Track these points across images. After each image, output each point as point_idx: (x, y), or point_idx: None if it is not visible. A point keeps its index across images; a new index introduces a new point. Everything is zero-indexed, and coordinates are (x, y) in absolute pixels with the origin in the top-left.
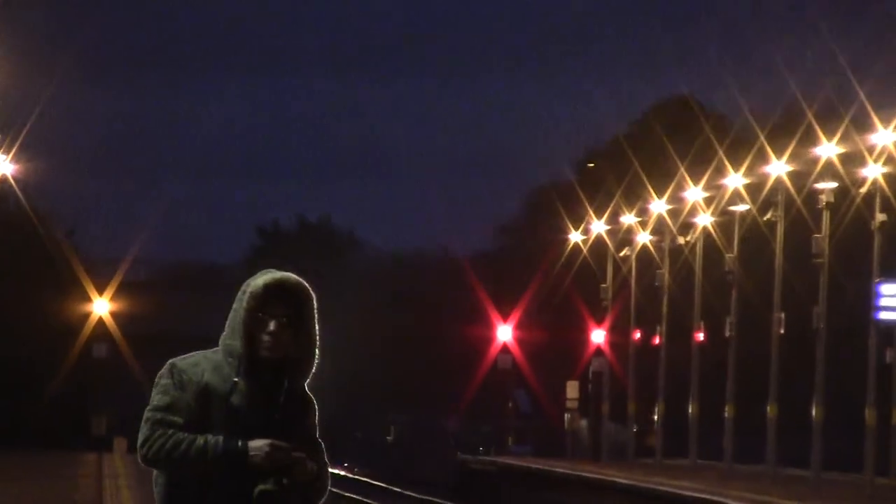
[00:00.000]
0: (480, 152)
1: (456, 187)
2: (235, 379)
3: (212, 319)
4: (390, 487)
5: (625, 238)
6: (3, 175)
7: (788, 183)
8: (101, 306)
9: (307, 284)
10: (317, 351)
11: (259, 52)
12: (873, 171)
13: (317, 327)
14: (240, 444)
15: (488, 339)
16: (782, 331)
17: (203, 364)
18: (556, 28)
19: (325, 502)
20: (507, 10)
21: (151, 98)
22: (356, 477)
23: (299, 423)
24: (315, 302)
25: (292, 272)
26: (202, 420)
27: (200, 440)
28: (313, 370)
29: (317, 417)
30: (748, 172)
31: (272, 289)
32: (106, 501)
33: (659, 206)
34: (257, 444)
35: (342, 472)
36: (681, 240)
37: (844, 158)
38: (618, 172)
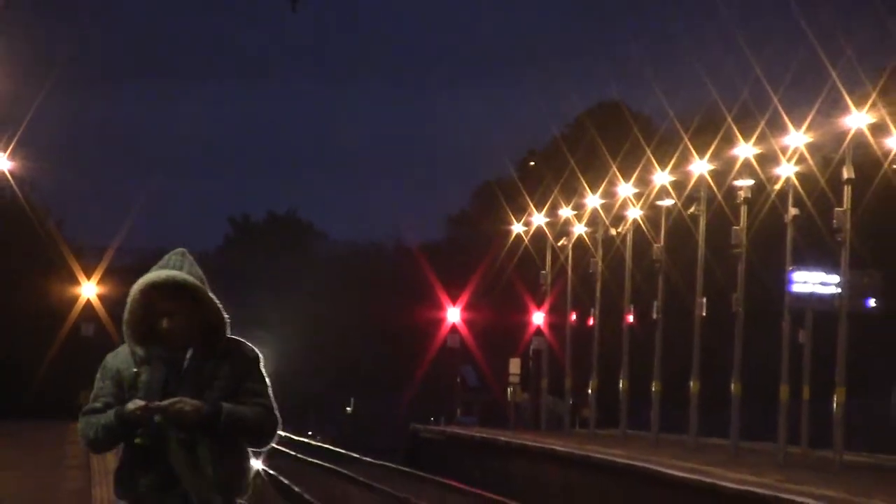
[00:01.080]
0: (432, 153)
1: (409, 184)
2: (135, 370)
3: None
4: (348, 453)
5: (562, 229)
6: (1, 170)
7: (710, 180)
8: (89, 289)
9: (184, 278)
10: (223, 315)
11: (234, 61)
12: (786, 170)
13: (213, 301)
14: (119, 408)
15: (439, 320)
16: (704, 314)
17: (120, 353)
18: (503, 43)
19: (288, 464)
20: (460, 27)
21: (135, 101)
22: (318, 444)
23: (221, 377)
24: (200, 289)
25: (261, 259)
26: (121, 400)
27: (103, 418)
28: (226, 328)
29: (254, 367)
30: (673, 170)
31: (159, 287)
32: (92, 461)
33: (593, 200)
34: (130, 405)
35: (306, 440)
36: (613, 231)
37: (760, 158)
38: (556, 170)
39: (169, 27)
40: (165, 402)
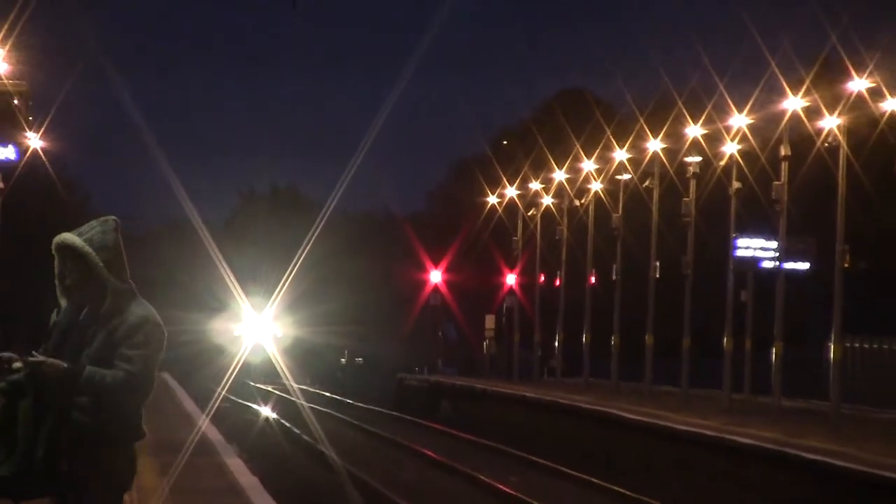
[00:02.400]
0: (416, 133)
1: (397, 160)
2: (55, 320)
3: (195, 265)
4: (343, 399)
5: (532, 200)
6: (35, 149)
7: (663, 157)
8: None
9: (62, 239)
10: (107, 281)
11: (244, 53)
12: (730, 148)
13: (98, 266)
14: None
15: (423, 281)
16: (657, 275)
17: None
18: (480, 37)
19: (290, 410)
20: (441, 25)
21: (154, 87)
22: (315, 390)
23: (99, 339)
24: (80, 249)
25: (262, 229)
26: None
27: None
28: (109, 292)
29: (133, 332)
30: (630, 149)
31: (54, 247)
32: None
33: (559, 175)
34: (4, 354)
35: (305, 387)
36: (577, 202)
37: (707, 138)
38: (526, 148)
39: (182, 21)
40: (33, 359)
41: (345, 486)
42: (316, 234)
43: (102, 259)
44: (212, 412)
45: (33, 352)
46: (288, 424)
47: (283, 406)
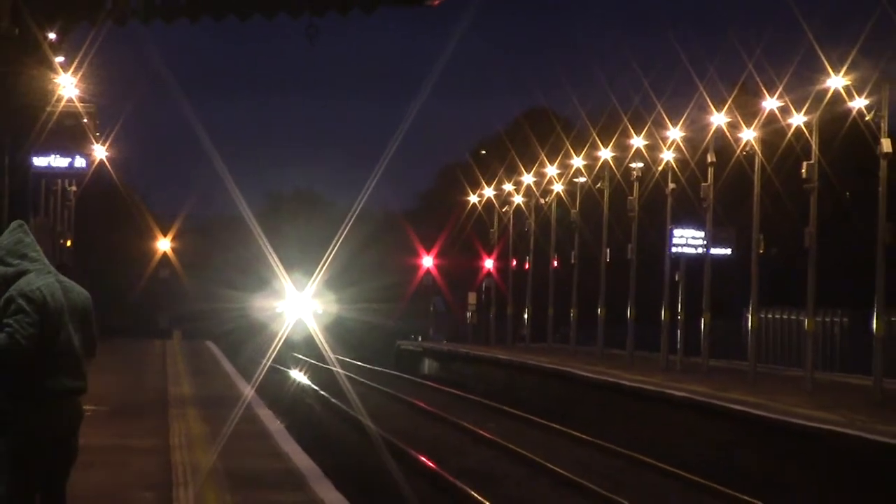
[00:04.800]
0: (410, 143)
1: (394, 166)
2: None
3: (230, 252)
4: (352, 361)
5: (505, 199)
6: (101, 159)
7: (611, 164)
8: (165, 244)
9: None
10: None
11: (267, 78)
12: (666, 156)
13: None
14: None
15: (417, 266)
16: (608, 260)
17: None
18: (462, 62)
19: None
20: (430, 54)
21: (199, 107)
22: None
23: None
24: None
25: (287, 224)
26: None
27: None
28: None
29: (8, 304)
30: (585, 157)
31: None
32: (168, 367)
33: (527, 178)
34: None
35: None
36: (542, 201)
37: (648, 147)
38: (500, 157)
39: (215, 52)
40: None
41: (346, 426)
42: (347, 228)
43: None
44: (260, 378)
45: None
46: (309, 383)
47: (311, 370)
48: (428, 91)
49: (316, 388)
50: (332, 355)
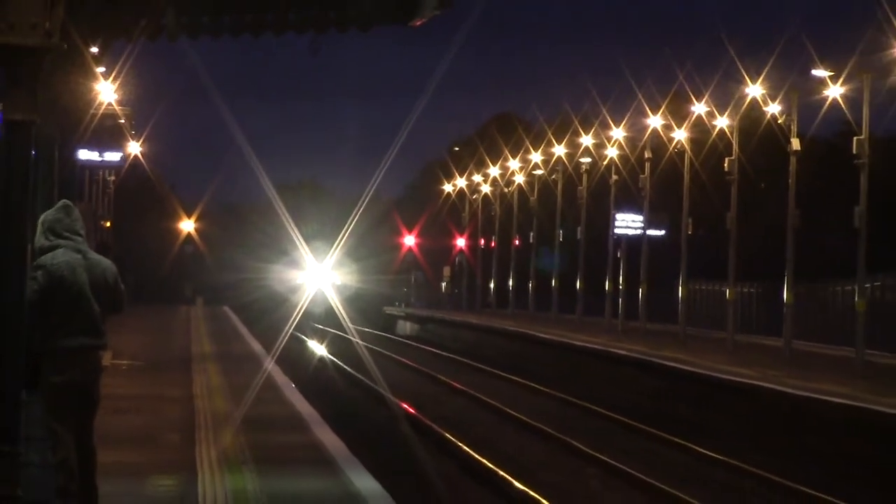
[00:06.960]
0: (394, 142)
1: (382, 160)
2: None
3: (243, 233)
4: (348, 325)
5: (475, 189)
6: (135, 154)
7: (564, 159)
8: (189, 225)
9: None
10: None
11: (277, 84)
12: (611, 152)
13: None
14: None
15: (401, 244)
16: (561, 240)
17: None
18: (441, 72)
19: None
20: (409, 65)
21: (220, 108)
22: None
23: None
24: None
25: (294, 211)
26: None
27: None
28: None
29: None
30: (543, 153)
31: None
32: (191, 329)
33: (494, 171)
34: None
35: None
36: (506, 190)
37: (595, 145)
38: (471, 153)
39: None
40: None
41: (337, 378)
42: (358, 214)
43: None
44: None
45: None
46: (302, 336)
47: (308, 331)
48: (425, 99)
49: (325, 352)
50: (350, 326)
